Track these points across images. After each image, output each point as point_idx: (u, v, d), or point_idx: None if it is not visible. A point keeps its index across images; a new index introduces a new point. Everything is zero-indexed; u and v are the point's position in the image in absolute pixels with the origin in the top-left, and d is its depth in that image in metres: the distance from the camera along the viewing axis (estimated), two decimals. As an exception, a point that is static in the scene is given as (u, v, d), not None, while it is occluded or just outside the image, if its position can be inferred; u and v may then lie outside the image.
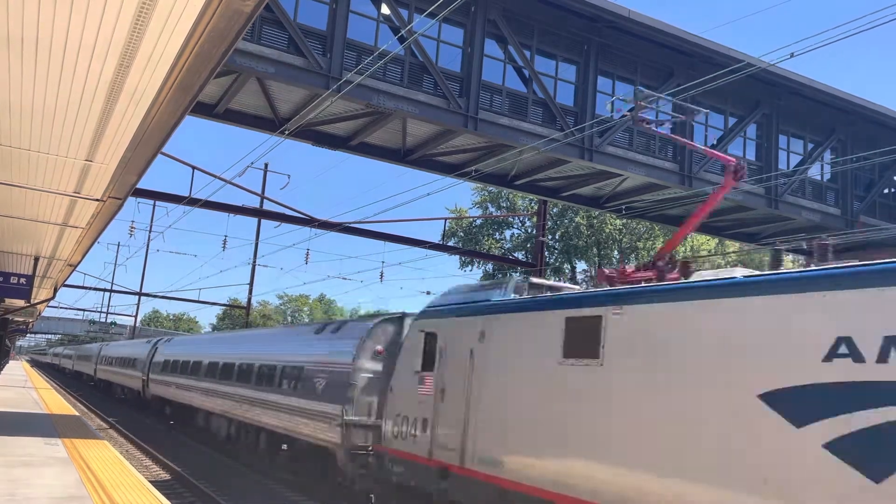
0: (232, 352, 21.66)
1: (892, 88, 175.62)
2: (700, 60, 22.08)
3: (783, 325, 6.55)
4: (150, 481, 11.86)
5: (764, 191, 24.65)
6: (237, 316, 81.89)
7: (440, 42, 19.66)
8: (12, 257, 17.10)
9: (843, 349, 6.04)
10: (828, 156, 26.82)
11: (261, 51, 17.17)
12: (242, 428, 19.51)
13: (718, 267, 13.44)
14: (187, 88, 6.20)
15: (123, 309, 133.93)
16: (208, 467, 18.53)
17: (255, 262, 44.24)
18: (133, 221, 56.44)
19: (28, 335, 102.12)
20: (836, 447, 5.86)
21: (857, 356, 5.95)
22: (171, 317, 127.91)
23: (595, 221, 42.53)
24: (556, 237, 44.92)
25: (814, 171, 26.48)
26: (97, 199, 10.38)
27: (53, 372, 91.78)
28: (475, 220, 47.45)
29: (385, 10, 18.83)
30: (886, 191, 28.75)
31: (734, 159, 10.43)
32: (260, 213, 29.81)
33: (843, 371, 6.00)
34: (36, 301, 24.19)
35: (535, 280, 11.08)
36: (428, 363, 11.15)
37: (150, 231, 46.57)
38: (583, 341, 8.39)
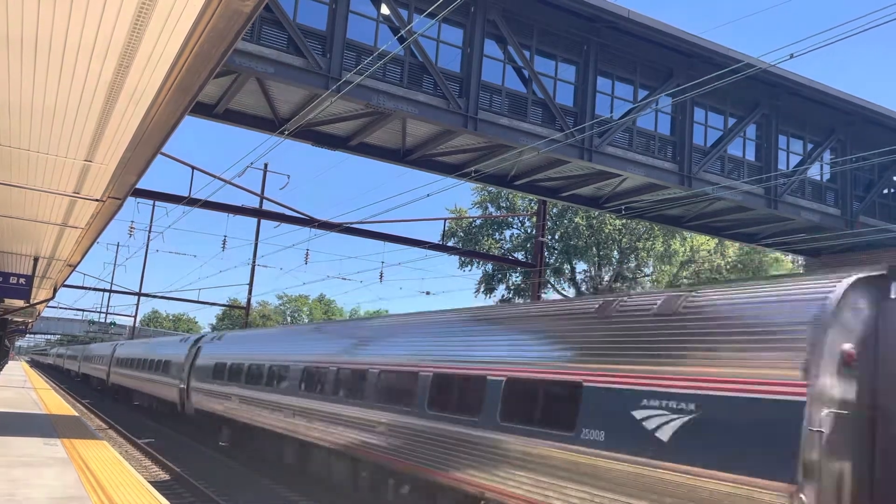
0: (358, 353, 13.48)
1: (892, 87, 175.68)
2: (700, 61, 22.09)
3: None
4: (150, 481, 11.86)
5: (763, 191, 24.66)
6: (237, 316, 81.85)
7: (440, 42, 19.66)
8: (12, 257, 17.09)
9: None
10: (827, 156, 26.82)
11: (260, 51, 17.17)
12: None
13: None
14: (187, 89, 6.20)
15: (123, 309, 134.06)
16: (208, 468, 18.52)
17: (254, 262, 44.24)
18: (132, 221, 56.41)
19: (27, 335, 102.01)
20: None
21: None
22: (171, 317, 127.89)
23: (595, 222, 42.53)
24: (556, 237, 44.91)
25: (813, 172, 26.48)
26: (97, 200, 10.38)
27: (57, 375, 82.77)
28: (475, 221, 47.44)
29: (385, 10, 18.83)
30: (886, 191, 28.75)
31: None
32: (259, 214, 29.80)
33: None
34: (35, 301, 24.18)
35: None
36: None
37: (149, 231, 46.63)
38: None
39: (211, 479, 16.45)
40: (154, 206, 42.07)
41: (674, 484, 6.43)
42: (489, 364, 9.48)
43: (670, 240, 41.87)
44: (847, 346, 5.92)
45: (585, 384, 7.75)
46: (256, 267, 44.61)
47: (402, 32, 18.35)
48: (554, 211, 43.00)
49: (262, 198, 30.85)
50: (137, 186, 10.56)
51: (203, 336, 26.70)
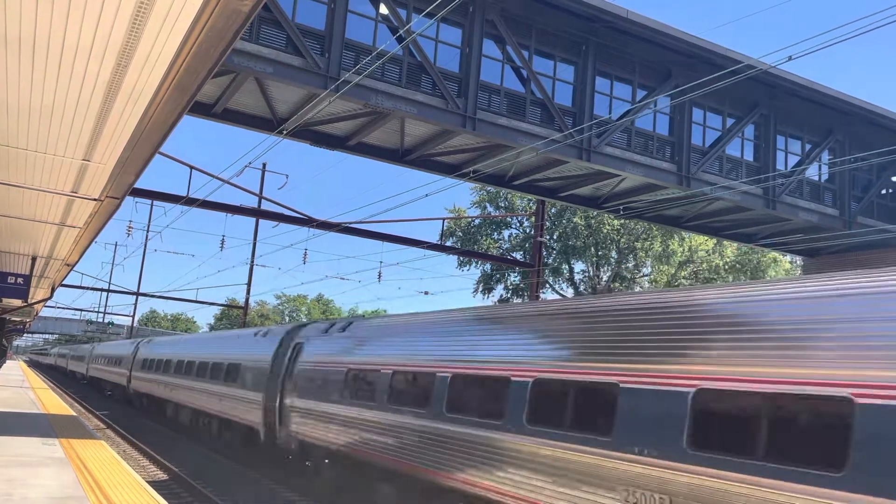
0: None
1: (891, 88, 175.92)
2: (699, 61, 22.10)
3: None
4: (148, 481, 11.85)
5: (762, 191, 24.68)
6: (235, 316, 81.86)
7: (438, 42, 19.66)
8: (9, 257, 17.07)
9: None
10: (825, 156, 26.85)
11: (259, 50, 17.17)
12: None
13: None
14: (185, 88, 6.20)
15: (121, 309, 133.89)
16: (206, 467, 18.51)
17: (252, 261, 44.24)
18: (131, 221, 56.35)
19: (25, 335, 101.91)
20: None
21: None
22: (169, 317, 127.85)
23: (593, 222, 42.55)
24: (555, 237, 44.93)
25: (811, 172, 26.50)
26: (95, 199, 10.37)
27: (57, 377, 73.71)
28: (473, 220, 47.45)
29: (383, 9, 18.83)
30: (884, 191, 28.78)
31: None
32: (258, 213, 29.79)
33: None
34: (33, 301, 24.16)
35: None
36: None
37: (147, 231, 46.63)
38: None
39: (209, 479, 16.44)
40: (152, 205, 42.05)
41: None
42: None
43: (668, 240, 41.89)
44: None
45: None
46: (255, 267, 44.63)
47: (401, 32, 18.35)
48: (552, 211, 43.02)
49: (260, 197, 30.85)
50: (136, 186, 10.55)
51: (304, 327, 17.02)
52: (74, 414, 21.92)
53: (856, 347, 5.58)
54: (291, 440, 14.92)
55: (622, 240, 43.61)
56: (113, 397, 42.07)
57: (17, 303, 21.32)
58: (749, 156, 25.03)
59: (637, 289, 43.58)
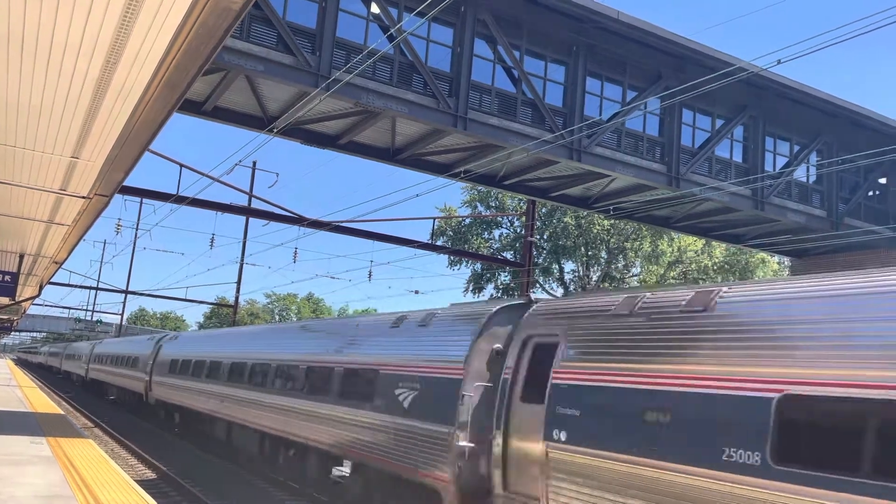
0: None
1: (880, 90, 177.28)
2: (688, 63, 22.21)
3: None
4: (136, 480, 11.81)
5: (750, 192, 24.82)
6: (224, 315, 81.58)
7: (430, 41, 19.67)
8: (-3, 254, 16.96)
9: None
10: (814, 158, 27.04)
11: (249, 48, 17.12)
12: None
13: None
14: (175, 86, 6.19)
15: (109, 307, 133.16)
16: (195, 466, 18.45)
17: (242, 260, 44.10)
18: (120, 219, 55.94)
19: (13, 333, 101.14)
20: None
21: None
22: (158, 315, 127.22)
23: (583, 222, 42.67)
24: (545, 237, 45.03)
25: (799, 173, 26.68)
26: (83, 197, 10.33)
27: (50, 377, 69.32)
28: (464, 220, 47.48)
29: (374, 8, 18.82)
30: (871, 193, 29.01)
31: None
32: (248, 212, 29.70)
33: None
34: (21, 298, 23.99)
35: None
36: None
37: (136, 229, 46.31)
38: None
39: (198, 478, 16.39)
40: (141, 203, 41.82)
41: None
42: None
43: (658, 240, 42.06)
44: None
45: None
46: (244, 265, 44.48)
47: (392, 31, 18.34)
48: (543, 211, 43.12)
49: (250, 196, 30.75)
50: (125, 184, 10.52)
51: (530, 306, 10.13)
52: (62, 413, 21.81)
53: None
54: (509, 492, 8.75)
55: (612, 240, 43.75)
56: (120, 404, 35.54)
57: (5, 300, 21.19)
58: (738, 157, 25.18)
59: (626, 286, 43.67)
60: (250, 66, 17.16)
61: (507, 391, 9.08)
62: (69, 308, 74.39)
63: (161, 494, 14.37)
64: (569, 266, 46.77)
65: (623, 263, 45.14)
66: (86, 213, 11.54)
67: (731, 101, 24.14)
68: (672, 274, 43.63)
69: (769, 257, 42.19)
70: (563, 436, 7.92)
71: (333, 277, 44.40)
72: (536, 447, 8.26)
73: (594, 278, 45.19)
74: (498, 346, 9.67)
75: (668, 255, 42.91)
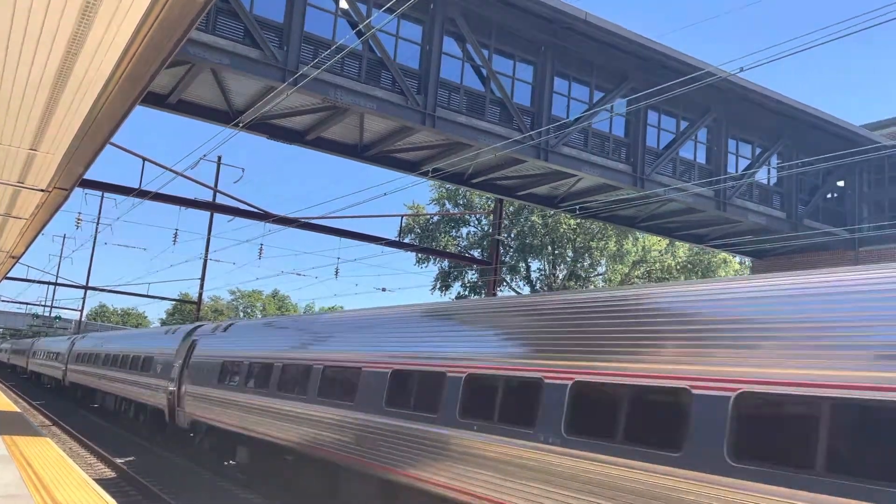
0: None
1: (837, 96, 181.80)
2: (654, 64, 22.51)
3: None
4: (95, 479, 11.59)
5: (713, 193, 25.27)
6: (187, 311, 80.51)
7: (399, 38, 19.63)
8: (-50, 248, 16.50)
9: None
10: (774, 160, 27.63)
11: (215, 41, 16.90)
12: None
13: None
14: (138, 78, 6.08)
15: (69, 303, 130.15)
16: (156, 465, 18.18)
17: (206, 256, 43.50)
18: (80, 213, 54.77)
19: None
20: None
21: None
22: (119, 311, 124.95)
23: (550, 221, 43.00)
24: (512, 235, 45.28)
25: (761, 175, 27.25)
26: (42, 190, 10.10)
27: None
28: (432, 218, 47.51)
29: (343, 4, 18.72)
30: (829, 195, 29.75)
31: None
32: (213, 207, 29.30)
33: None
34: (-25, 294, 23.34)
35: None
36: None
37: (97, 223, 45.28)
38: None
39: (159, 477, 16.16)
40: (102, 197, 41.00)
41: None
42: None
43: (623, 240, 42.60)
44: None
45: None
46: (209, 261, 43.89)
47: (361, 27, 18.26)
48: (510, 209, 43.35)
49: (215, 191, 30.34)
50: (85, 177, 10.32)
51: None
52: (19, 410, 21.29)
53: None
54: None
55: (578, 239, 44.17)
56: (125, 421, 25.79)
57: (-42, 296, 20.59)
58: (702, 158, 25.62)
59: (591, 287, 44.22)
60: (216, 60, 16.94)
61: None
62: (27, 304, 72.54)
63: (121, 493, 14.13)
64: (535, 264, 47.13)
65: (589, 262, 45.60)
66: (44, 206, 11.28)
67: (696, 103, 24.54)
68: (636, 273, 44.22)
69: (731, 257, 43.00)
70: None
71: (300, 274, 44.24)
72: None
73: (560, 277, 45.59)
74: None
75: (633, 254, 43.49)
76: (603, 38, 21.85)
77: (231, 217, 26.35)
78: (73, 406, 34.36)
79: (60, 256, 58.69)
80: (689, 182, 24.55)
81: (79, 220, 35.73)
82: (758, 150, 27.08)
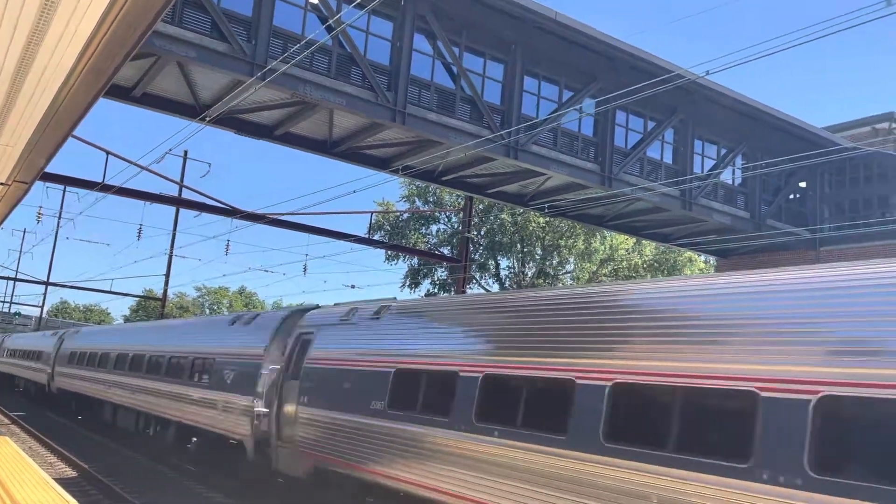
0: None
1: (801, 99, 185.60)
2: (623, 65, 22.73)
3: None
4: (55, 478, 11.37)
5: (679, 193, 25.63)
6: (152, 308, 79.24)
7: (369, 34, 19.54)
8: None
9: None
10: (739, 161, 28.11)
11: (182, 34, 16.64)
12: None
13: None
14: (101, 71, 5.97)
15: (29, 299, 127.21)
16: (118, 464, 17.89)
17: (171, 252, 42.87)
18: (41, 207, 53.35)
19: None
20: None
21: None
22: (81, 308, 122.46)
23: (519, 219, 43.21)
24: (482, 233, 45.40)
25: (726, 176, 27.71)
26: (2, 183, 9.87)
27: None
28: (402, 215, 47.42)
29: (313, -2, 18.58)
30: (791, 196, 30.37)
31: None
32: (178, 202, 28.91)
33: None
34: (-69, 289, 22.75)
35: None
36: None
37: (59, 217, 44.24)
38: None
39: (121, 476, 15.90)
40: (65, 191, 39.98)
41: None
42: None
43: (591, 238, 42.99)
44: None
45: None
46: (174, 257, 43.26)
47: (331, 22, 18.14)
48: (480, 207, 43.45)
49: (181, 186, 29.94)
50: (46, 170, 10.10)
51: None
52: (-25, 409, 20.79)
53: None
54: None
55: (547, 237, 44.46)
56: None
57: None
58: (668, 158, 25.96)
59: (559, 285, 44.57)
60: (182, 53, 16.69)
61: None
62: (-16, 299, 70.68)
63: (82, 493, 13.88)
64: (505, 262, 47.33)
65: (557, 260, 45.94)
66: (4, 200, 11.02)
67: (663, 103, 24.85)
68: (604, 271, 44.67)
69: (696, 256, 43.68)
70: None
71: (267, 271, 43.80)
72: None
73: (529, 275, 45.86)
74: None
75: (601, 252, 43.93)
76: (573, 38, 22.01)
77: (197, 213, 26.06)
78: (69, 422, 26.62)
79: (20, 251, 57.39)
80: (656, 182, 24.87)
81: (40, 214, 34.95)
82: (723, 151, 27.54)
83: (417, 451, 8.96)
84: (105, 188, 23.15)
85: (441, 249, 46.21)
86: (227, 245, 35.74)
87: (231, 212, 25.64)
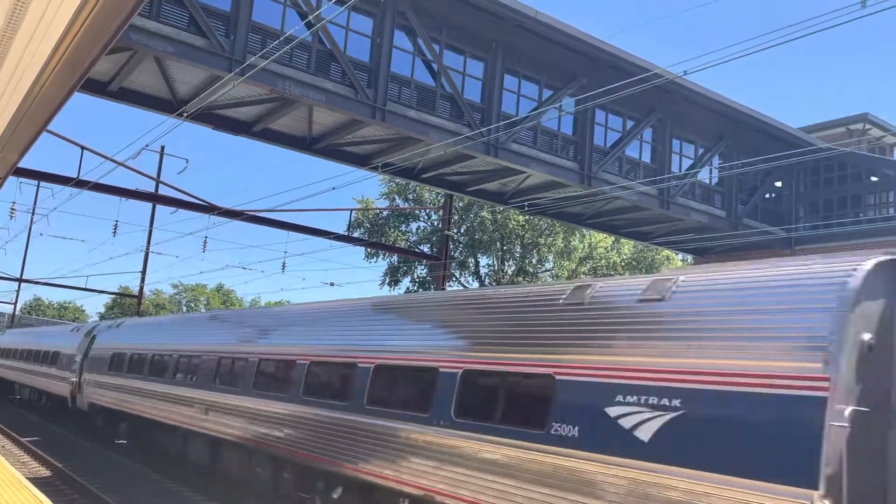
0: None
1: (777, 100, 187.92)
2: (603, 65, 22.86)
3: None
4: (29, 478, 11.20)
5: (657, 192, 25.83)
6: (128, 305, 78.33)
7: (349, 31, 19.45)
8: None
9: None
10: (716, 161, 28.40)
11: (159, 28, 16.45)
12: None
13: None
14: (76, 65, 5.88)
15: (2, 296, 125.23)
16: (93, 464, 17.66)
17: (148, 248, 42.38)
18: (14, 202, 52.57)
19: None
20: None
21: None
22: (56, 305, 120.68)
23: (499, 217, 43.30)
24: (462, 231, 45.42)
25: (703, 175, 27.98)
26: (-27, 178, 9.68)
27: None
28: (381, 212, 47.30)
29: (293, -6, 18.45)
30: (767, 195, 30.74)
31: None
32: (155, 199, 28.58)
33: None
34: None
35: None
36: None
37: (32, 213, 43.53)
38: None
39: (98, 477, 15.70)
40: (38, 186, 39.47)
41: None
42: None
43: (570, 236, 43.20)
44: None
45: None
46: (150, 254, 42.76)
47: (311, 18, 18.03)
48: (460, 205, 43.47)
49: (157, 182, 29.60)
50: (20, 165, 9.92)
51: None
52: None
53: None
54: None
55: (527, 235, 44.59)
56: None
57: None
58: (647, 158, 26.15)
59: (538, 283, 44.68)
60: (159, 47, 16.50)
61: None
62: (-45, 297, 69.27)
63: (56, 492, 13.68)
64: (484, 260, 47.40)
65: (537, 258, 46.11)
66: (-25, 195, 10.81)
67: (641, 103, 25.03)
68: (583, 269, 44.92)
69: (674, 255, 44.06)
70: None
71: (245, 268, 43.37)
72: None
73: (509, 272, 45.99)
74: None
75: (580, 250, 44.16)
76: (553, 37, 22.08)
77: (174, 209, 25.77)
78: (123, 458, 18.19)
79: (-7, 247, 56.20)
80: (635, 180, 25.04)
81: (13, 209, 34.40)
82: (700, 151, 27.80)
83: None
84: (80, 184, 22.82)
85: (421, 247, 46.16)
86: (205, 242, 35.40)
87: (208, 208, 25.41)
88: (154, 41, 16.36)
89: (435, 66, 20.92)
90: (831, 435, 5.00)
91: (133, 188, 25.50)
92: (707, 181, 28.25)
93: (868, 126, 34.48)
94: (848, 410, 5.08)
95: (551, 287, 8.17)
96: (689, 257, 38.74)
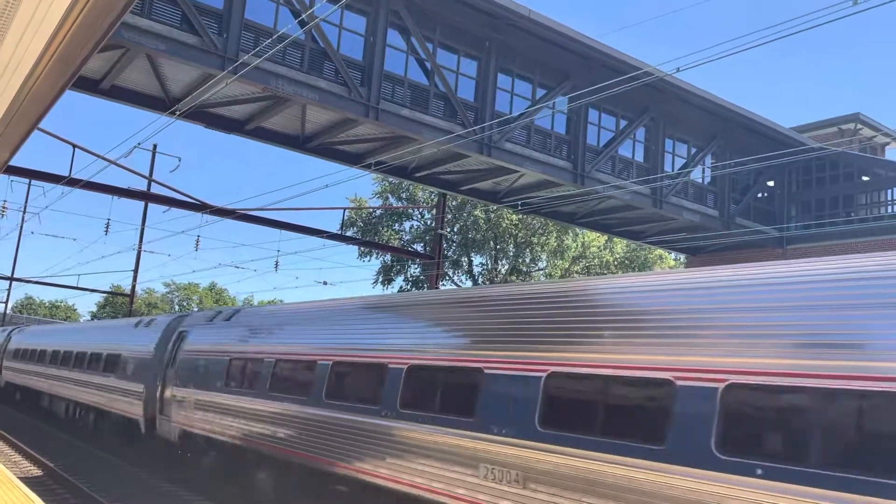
0: None
1: (769, 100, 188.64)
2: (595, 63, 22.89)
3: None
4: (20, 478, 11.15)
5: (650, 191, 25.90)
6: (119, 304, 78.02)
7: (342, 29, 19.42)
8: None
9: None
10: (709, 160, 28.50)
11: (151, 26, 16.38)
12: None
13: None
14: (68, 62, 5.85)
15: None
16: (84, 462, 17.58)
17: (140, 247, 42.22)
18: (5, 201, 52.13)
19: None
20: None
21: None
22: (47, 304, 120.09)
23: (493, 216, 43.33)
24: (455, 230, 45.43)
25: (695, 174, 28.07)
26: (-37, 176, 9.63)
27: None
28: (375, 211, 47.26)
29: (286, -8, 18.40)
30: (760, 195, 30.87)
31: None
32: (147, 197, 28.47)
33: None
34: None
35: None
36: None
37: (24, 212, 43.32)
38: None
39: (88, 474, 15.64)
40: (30, 184, 39.32)
41: None
42: None
43: (563, 236, 43.28)
44: None
45: None
46: (142, 252, 42.60)
47: (304, 16, 17.99)
48: (453, 204, 43.48)
49: (150, 180, 29.47)
50: (11, 163, 9.87)
51: None
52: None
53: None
54: None
55: (520, 234, 44.64)
56: None
57: None
58: (640, 157, 26.21)
59: (532, 281, 44.71)
60: (152, 45, 16.44)
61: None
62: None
63: (48, 491, 13.62)
64: (478, 259, 47.42)
65: (530, 257, 46.16)
66: (-34, 193, 10.74)
67: (634, 102, 25.09)
68: (576, 268, 45.00)
69: (666, 254, 44.19)
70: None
71: (238, 267, 42.97)
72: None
73: (502, 271, 46.02)
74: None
75: (573, 250, 44.25)
76: (546, 36, 22.10)
77: (166, 207, 25.67)
78: None
79: (-17, 246, 55.78)
80: (628, 180, 25.10)
81: (4, 208, 34.21)
82: (693, 150, 27.88)
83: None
84: (72, 182, 22.72)
85: (414, 246, 46.15)
86: (198, 240, 35.29)
87: (201, 207, 25.33)
88: (146, 39, 16.30)
89: (428, 65, 20.91)
90: None
91: (125, 187, 25.41)
92: (699, 180, 28.34)
93: (859, 126, 34.67)
94: None
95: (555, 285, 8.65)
96: (682, 256, 38.86)
